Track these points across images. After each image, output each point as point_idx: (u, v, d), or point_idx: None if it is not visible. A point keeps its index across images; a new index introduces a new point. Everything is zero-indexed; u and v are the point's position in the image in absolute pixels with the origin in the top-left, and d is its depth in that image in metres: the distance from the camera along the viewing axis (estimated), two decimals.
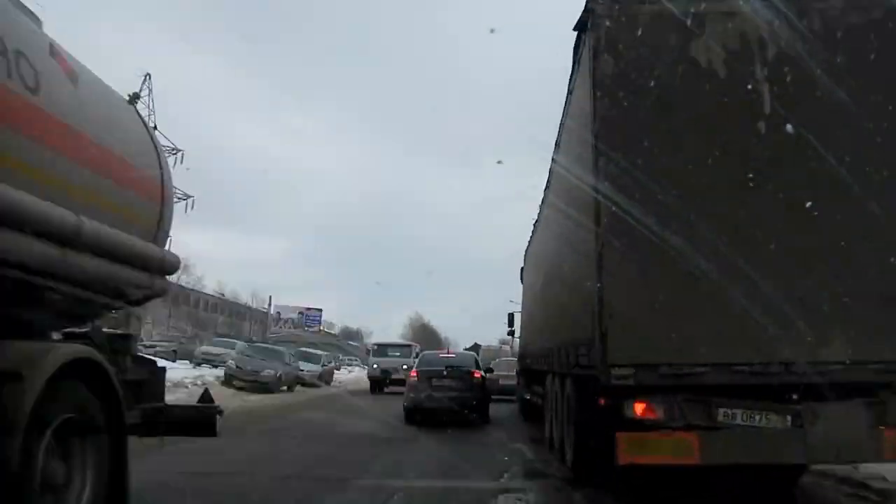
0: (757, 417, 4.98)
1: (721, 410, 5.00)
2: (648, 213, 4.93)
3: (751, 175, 4.98)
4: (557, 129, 7.79)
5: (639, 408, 5.03)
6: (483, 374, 13.48)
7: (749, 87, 4.99)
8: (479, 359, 15.79)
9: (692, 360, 4.88)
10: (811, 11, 5.02)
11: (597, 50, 5.13)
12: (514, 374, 17.20)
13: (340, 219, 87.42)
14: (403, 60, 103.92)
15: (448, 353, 18.02)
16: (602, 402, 5.23)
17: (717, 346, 4.87)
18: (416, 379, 12.76)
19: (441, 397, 12.17)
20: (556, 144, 8.01)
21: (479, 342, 45.33)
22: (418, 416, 12.30)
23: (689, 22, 4.99)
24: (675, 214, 4.95)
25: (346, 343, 76.12)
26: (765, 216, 4.97)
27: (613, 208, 4.96)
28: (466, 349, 32.08)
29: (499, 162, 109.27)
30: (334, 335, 76.18)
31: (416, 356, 18.41)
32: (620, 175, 4.99)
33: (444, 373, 12.78)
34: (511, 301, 19.87)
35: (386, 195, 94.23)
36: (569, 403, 7.10)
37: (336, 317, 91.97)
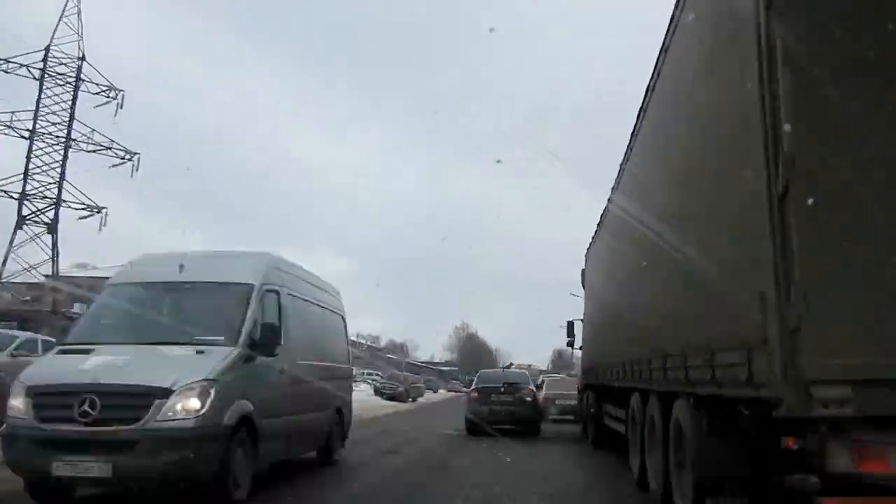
0: None
1: None
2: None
3: None
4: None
5: (860, 455, 3.07)
6: (534, 389, 14.65)
7: None
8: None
9: None
10: None
11: None
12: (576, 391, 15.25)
13: (391, 238, 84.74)
14: (418, 67, 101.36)
15: (503, 371, 18.97)
16: (791, 443, 3.24)
17: None
18: (476, 395, 13.95)
19: (499, 411, 13.34)
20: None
21: (512, 361, 47.67)
22: (478, 428, 12.93)
23: None
24: None
25: (385, 355, 73.34)
26: None
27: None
28: (503, 368, 31.39)
29: (498, 161, 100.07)
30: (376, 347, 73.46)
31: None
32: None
33: (502, 389, 13.73)
34: (572, 294, 17.72)
35: (430, 210, 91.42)
36: (679, 436, 5.12)
37: (381, 331, 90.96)
